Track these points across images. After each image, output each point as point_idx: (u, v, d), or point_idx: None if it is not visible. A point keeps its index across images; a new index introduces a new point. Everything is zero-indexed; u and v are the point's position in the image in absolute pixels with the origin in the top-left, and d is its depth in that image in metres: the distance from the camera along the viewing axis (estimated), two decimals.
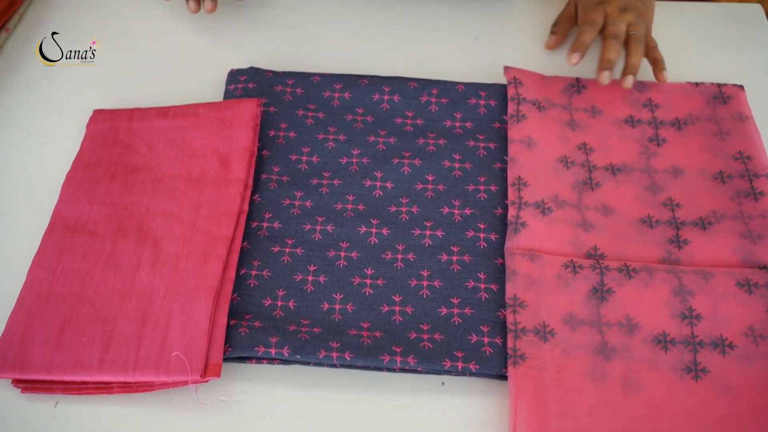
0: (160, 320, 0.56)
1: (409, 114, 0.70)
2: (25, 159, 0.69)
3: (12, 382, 0.55)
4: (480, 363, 0.55)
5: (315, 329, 0.57)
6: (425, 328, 0.57)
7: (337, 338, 0.56)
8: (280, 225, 0.63)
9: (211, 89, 0.73)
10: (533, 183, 0.64)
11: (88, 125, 0.68)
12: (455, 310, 0.58)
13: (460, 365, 0.54)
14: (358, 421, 0.54)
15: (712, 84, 0.71)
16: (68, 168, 0.65)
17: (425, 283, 0.59)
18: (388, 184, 0.65)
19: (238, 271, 0.60)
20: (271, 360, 0.56)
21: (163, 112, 0.68)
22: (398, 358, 0.54)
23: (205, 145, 0.66)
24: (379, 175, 0.66)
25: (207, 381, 0.54)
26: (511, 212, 0.62)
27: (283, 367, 0.56)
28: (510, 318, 0.56)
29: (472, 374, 0.55)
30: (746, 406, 0.52)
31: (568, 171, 0.65)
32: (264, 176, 0.66)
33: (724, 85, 0.71)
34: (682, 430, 0.52)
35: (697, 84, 0.71)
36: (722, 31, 0.80)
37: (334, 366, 0.55)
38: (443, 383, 0.56)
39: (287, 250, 0.61)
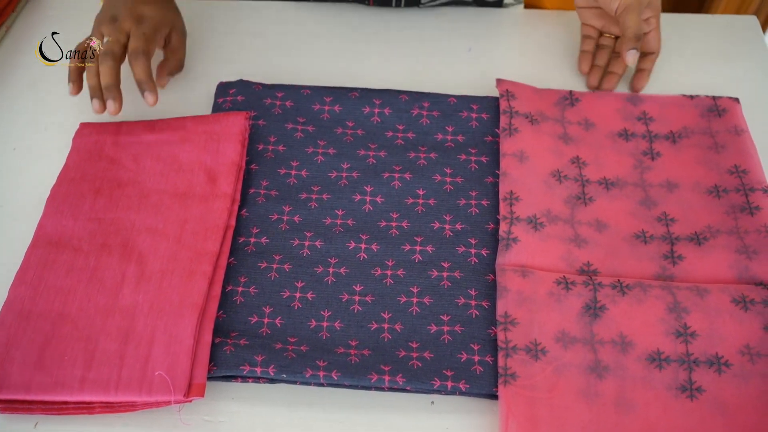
0: (143, 339, 0.55)
1: (400, 127, 0.69)
2: (10, 173, 0.68)
3: None
4: (470, 382, 0.53)
5: (302, 347, 0.55)
6: (414, 345, 0.56)
7: (325, 356, 0.54)
8: (267, 240, 0.62)
9: (200, 102, 0.72)
10: (525, 198, 0.63)
11: (74, 139, 0.67)
12: (445, 328, 0.57)
13: (449, 384, 0.53)
14: None
15: (707, 97, 0.70)
16: (53, 182, 0.64)
17: (414, 299, 0.58)
18: (378, 199, 0.64)
19: (224, 287, 0.59)
20: (256, 379, 0.54)
21: (150, 126, 0.67)
22: (386, 377, 0.53)
23: (192, 159, 0.65)
24: (368, 189, 0.65)
25: (191, 401, 0.53)
26: (503, 227, 0.61)
27: (269, 386, 0.55)
28: (501, 336, 0.55)
29: (462, 393, 0.53)
30: (742, 427, 0.51)
31: (560, 185, 0.64)
32: (252, 191, 0.65)
33: (720, 98, 0.70)
34: None
35: (692, 97, 0.70)
36: (717, 42, 0.79)
37: (321, 385, 0.54)
38: (432, 402, 0.54)
39: (275, 266, 0.60)
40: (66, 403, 0.53)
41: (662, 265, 0.59)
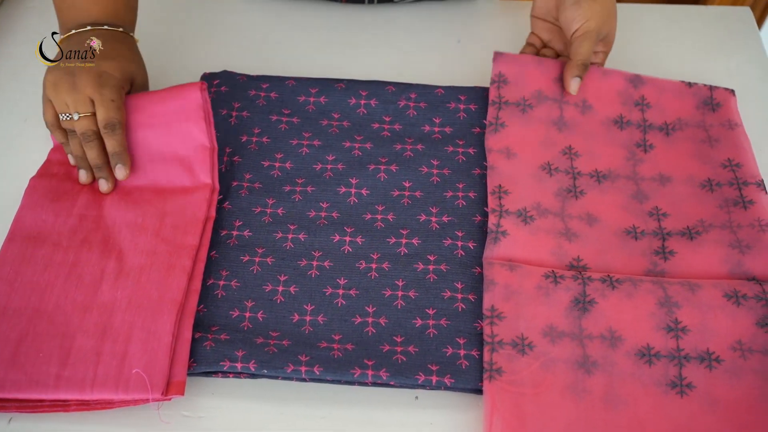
0: (120, 335, 0.53)
1: (387, 119, 0.68)
2: None
3: None
4: (455, 377, 0.52)
5: (284, 342, 0.54)
6: (399, 340, 0.55)
7: (307, 351, 0.53)
8: (250, 233, 0.61)
9: None
10: (514, 191, 0.62)
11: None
12: (431, 321, 0.55)
13: (434, 379, 0.52)
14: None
15: (705, 86, 0.69)
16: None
17: (400, 293, 0.57)
18: (364, 191, 0.63)
19: (205, 281, 0.58)
20: (237, 374, 0.53)
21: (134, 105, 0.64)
22: (370, 372, 0.52)
23: (164, 148, 0.63)
24: (354, 181, 0.64)
25: (170, 399, 0.52)
26: (492, 220, 0.60)
27: (251, 381, 0.54)
28: (487, 330, 0.54)
29: (447, 388, 0.52)
30: (733, 423, 0.50)
31: (551, 178, 0.63)
32: (235, 183, 0.63)
33: (716, 88, 0.69)
34: None
35: (690, 84, 0.69)
36: (711, 34, 0.78)
37: (303, 380, 0.53)
38: (417, 397, 0.53)
39: (257, 259, 0.59)
40: (41, 401, 0.52)
41: (653, 260, 0.58)
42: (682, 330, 0.54)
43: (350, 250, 0.59)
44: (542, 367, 0.52)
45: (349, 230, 0.61)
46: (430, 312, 0.56)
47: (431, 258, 0.59)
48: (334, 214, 0.62)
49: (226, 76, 0.70)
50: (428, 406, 0.53)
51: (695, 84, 0.69)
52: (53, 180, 0.62)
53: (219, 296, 0.57)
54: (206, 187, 0.61)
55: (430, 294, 0.57)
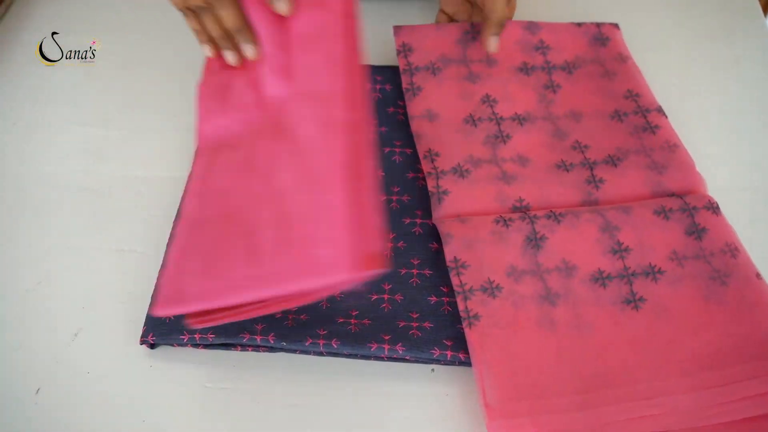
0: (299, 218, 0.48)
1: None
2: (9, 149, 0.69)
3: (185, 318, 0.50)
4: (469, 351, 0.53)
5: (302, 316, 0.55)
6: (414, 316, 0.56)
7: (325, 326, 0.54)
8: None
9: None
10: (444, 151, 0.64)
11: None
12: (445, 299, 0.57)
13: (449, 354, 0.53)
14: (346, 408, 0.52)
15: (592, 23, 0.74)
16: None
17: (415, 271, 0.58)
18: (380, 173, 0.65)
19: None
20: (256, 347, 0.55)
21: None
22: (386, 346, 0.53)
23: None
24: None
25: (372, 275, 0.46)
26: (431, 183, 0.62)
27: (270, 354, 0.55)
28: (455, 280, 0.56)
29: (461, 363, 0.53)
30: (685, 327, 0.54)
31: (476, 129, 0.66)
32: None
33: (603, 24, 0.74)
34: (632, 359, 0.53)
35: (579, 24, 0.74)
36: (717, 21, 0.81)
37: (321, 354, 0.54)
38: (433, 370, 0.55)
39: None
40: (242, 305, 0.48)
41: (587, 190, 0.62)
42: (625, 250, 0.58)
43: None
44: (513, 306, 0.55)
45: None
46: (444, 290, 0.57)
47: None
48: None
49: None
50: (444, 379, 0.54)
51: (583, 23, 0.74)
52: (215, 77, 0.60)
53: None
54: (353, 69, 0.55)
55: (443, 272, 0.58)
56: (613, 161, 0.63)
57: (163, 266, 0.56)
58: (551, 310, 0.55)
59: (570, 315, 0.55)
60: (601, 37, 0.73)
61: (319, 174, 0.50)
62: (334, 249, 0.46)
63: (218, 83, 0.59)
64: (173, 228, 0.57)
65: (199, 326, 0.50)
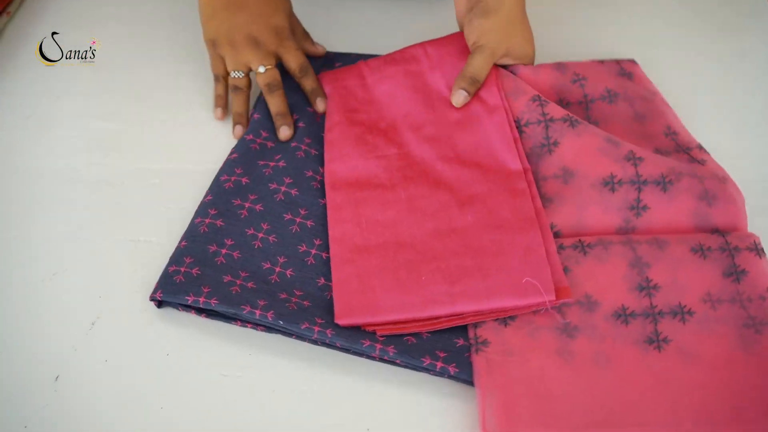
0: (492, 252, 0.56)
1: None
2: (24, 142, 0.69)
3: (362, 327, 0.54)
4: (460, 367, 0.52)
5: (305, 302, 0.56)
6: None
7: (324, 316, 0.55)
8: (247, 181, 0.63)
9: None
10: None
11: (325, 86, 0.70)
12: None
13: (439, 365, 0.52)
14: (363, 396, 0.53)
15: (612, 61, 0.69)
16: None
17: None
18: None
19: (193, 219, 0.60)
20: (255, 323, 0.55)
21: (389, 61, 0.69)
22: (378, 346, 0.53)
23: (439, 82, 0.67)
24: None
25: (558, 303, 0.54)
26: None
27: (286, 341, 0.55)
28: None
29: (450, 377, 0.53)
30: (710, 374, 0.52)
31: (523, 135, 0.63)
32: (249, 137, 0.67)
33: (621, 60, 0.69)
34: (654, 399, 0.51)
35: (602, 61, 0.69)
36: (723, 15, 0.80)
37: (315, 342, 0.54)
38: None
39: (247, 204, 0.61)
40: (438, 317, 0.54)
41: (626, 217, 0.59)
42: (654, 288, 0.55)
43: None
44: (528, 336, 0.54)
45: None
46: None
47: None
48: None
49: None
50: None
51: (604, 60, 0.69)
52: (342, 129, 0.66)
53: (201, 231, 0.59)
54: (498, 108, 0.63)
55: None
56: (664, 184, 0.59)
57: (335, 281, 0.56)
58: (569, 342, 0.53)
59: (588, 349, 0.53)
60: (625, 72, 0.68)
61: (508, 222, 0.57)
62: (536, 277, 0.54)
63: (344, 134, 0.66)
64: (331, 250, 0.59)
65: (387, 333, 0.53)
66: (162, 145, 0.69)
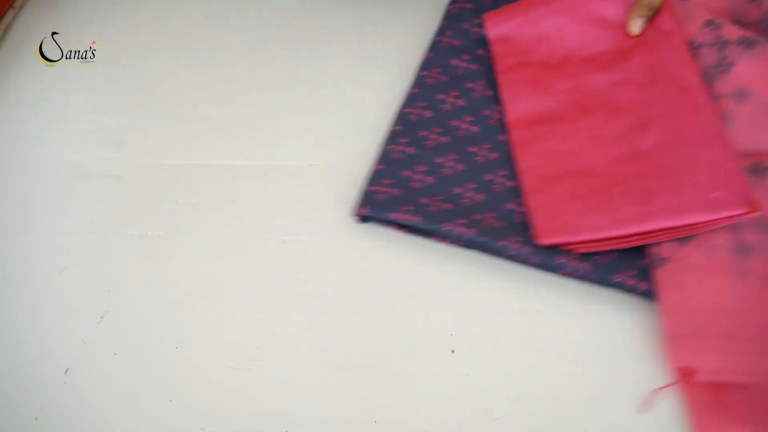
0: (682, 170, 0.56)
1: None
2: (31, 136, 0.69)
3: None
4: (646, 283, 0.55)
5: (445, 206, 0.59)
6: None
7: (466, 217, 0.58)
8: (431, 114, 0.66)
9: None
10: None
11: (487, 31, 0.70)
12: None
13: (629, 282, 0.55)
14: (371, 390, 0.53)
15: None
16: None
17: None
18: None
19: (385, 145, 0.64)
20: (456, 239, 0.58)
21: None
22: (571, 263, 0.56)
23: (609, 11, 0.67)
24: None
25: (752, 215, 0.53)
26: None
27: (291, 334, 0.56)
28: None
29: (637, 294, 0.55)
30: None
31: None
32: (424, 72, 0.69)
33: None
34: None
35: None
36: None
37: (511, 258, 0.57)
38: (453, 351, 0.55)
39: (433, 137, 0.65)
40: (630, 235, 0.56)
41: None
42: None
43: None
44: (704, 254, 0.55)
45: None
46: None
47: None
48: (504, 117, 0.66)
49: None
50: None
51: None
52: (515, 71, 0.67)
53: (394, 157, 0.63)
54: (672, 33, 0.63)
55: None
56: None
57: (532, 208, 0.58)
58: (743, 260, 0.54)
59: (763, 268, 0.53)
60: None
61: (695, 139, 0.57)
62: (727, 191, 0.54)
63: (518, 75, 0.67)
64: (520, 179, 0.61)
65: (583, 251, 0.56)
66: (170, 140, 0.69)
